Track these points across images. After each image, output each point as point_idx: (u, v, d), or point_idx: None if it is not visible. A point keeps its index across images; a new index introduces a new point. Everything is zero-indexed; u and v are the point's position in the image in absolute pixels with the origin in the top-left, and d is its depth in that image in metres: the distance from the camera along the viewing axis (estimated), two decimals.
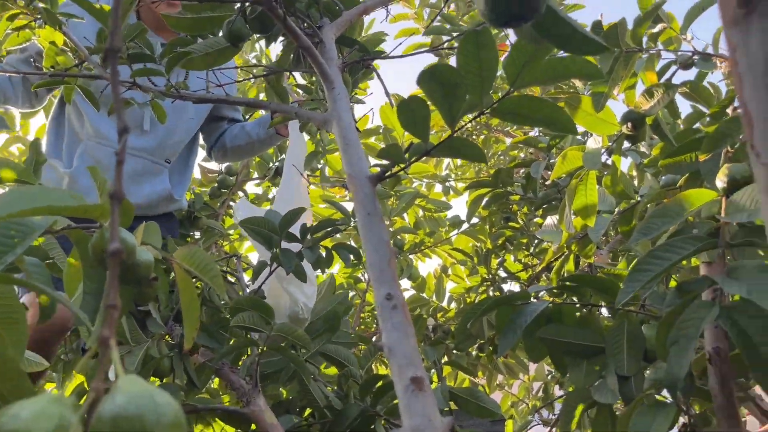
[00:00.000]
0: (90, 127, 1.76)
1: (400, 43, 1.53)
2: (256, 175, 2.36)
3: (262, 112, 2.21)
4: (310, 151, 1.88)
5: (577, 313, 1.14)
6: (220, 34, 1.07)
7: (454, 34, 2.00)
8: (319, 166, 2.13)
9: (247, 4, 1.02)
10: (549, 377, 2.67)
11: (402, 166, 0.87)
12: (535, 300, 1.12)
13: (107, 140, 1.77)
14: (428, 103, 0.79)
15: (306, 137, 1.84)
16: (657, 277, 0.86)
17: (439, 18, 2.15)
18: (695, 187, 1.06)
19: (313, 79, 1.44)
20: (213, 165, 2.62)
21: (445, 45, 1.91)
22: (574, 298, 1.12)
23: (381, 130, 2.54)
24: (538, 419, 2.40)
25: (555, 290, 1.09)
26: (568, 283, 1.07)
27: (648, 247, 1.20)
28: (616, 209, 1.47)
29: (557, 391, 2.79)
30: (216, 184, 2.22)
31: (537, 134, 2.42)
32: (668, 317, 0.84)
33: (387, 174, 0.85)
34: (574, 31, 0.66)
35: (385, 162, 0.87)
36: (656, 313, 1.05)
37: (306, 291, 1.62)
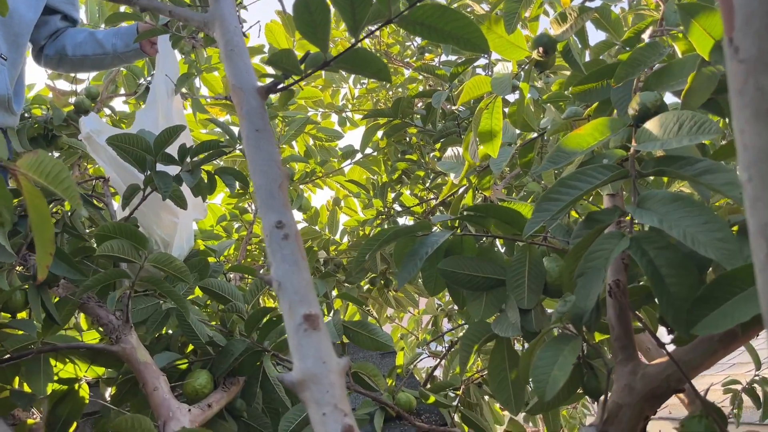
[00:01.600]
0: None
1: None
2: (123, 91, 2.11)
3: (123, 9, 1.91)
4: (183, 72, 1.68)
5: (477, 245, 1.09)
6: None
7: None
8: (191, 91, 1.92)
9: None
10: (438, 310, 2.70)
11: (296, 78, 0.75)
12: (436, 230, 1.06)
13: None
14: (330, 6, 0.68)
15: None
16: (567, 206, 0.81)
17: None
18: (605, 116, 1.02)
19: None
20: (63, 84, 2.30)
21: None
22: (475, 230, 1.07)
23: (266, 49, 2.35)
24: (428, 352, 2.43)
25: (458, 220, 1.03)
26: (472, 213, 1.01)
27: (552, 180, 1.16)
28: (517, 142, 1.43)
29: (445, 325, 2.85)
30: (72, 108, 1.89)
31: (438, 65, 2.34)
32: (577, 249, 0.80)
33: (279, 87, 0.74)
34: None
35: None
36: (558, 246, 1.02)
37: (165, 222, 1.46)
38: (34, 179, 0.67)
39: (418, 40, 2.66)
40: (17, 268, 1.24)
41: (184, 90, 2.10)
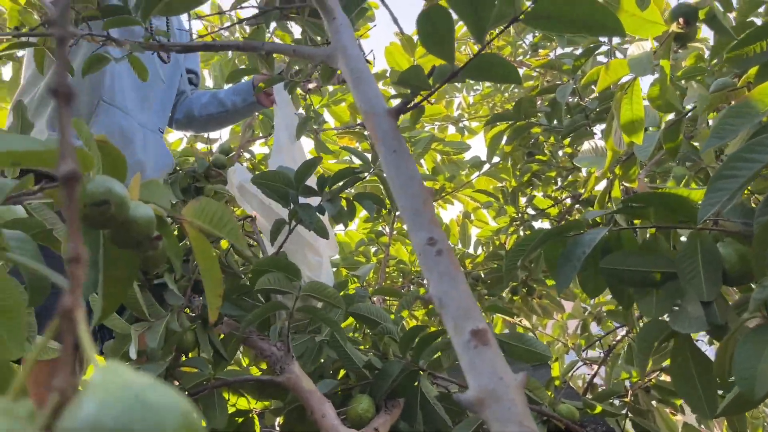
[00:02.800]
0: (104, 90, 1.53)
1: None
2: (260, 134, 2.22)
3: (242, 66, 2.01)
4: (302, 119, 1.75)
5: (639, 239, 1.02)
6: None
7: None
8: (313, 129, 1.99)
9: None
10: (586, 314, 2.57)
11: (425, 93, 0.74)
12: (591, 229, 1.00)
13: (126, 108, 1.56)
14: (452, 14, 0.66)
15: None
16: (746, 183, 0.73)
17: None
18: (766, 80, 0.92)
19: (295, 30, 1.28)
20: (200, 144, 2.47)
21: None
22: (635, 222, 1.00)
23: (388, 74, 2.38)
24: (582, 360, 2.31)
25: (618, 212, 0.96)
26: (630, 204, 0.94)
27: (712, 160, 1.06)
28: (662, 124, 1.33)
29: (594, 328, 2.70)
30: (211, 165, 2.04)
31: (555, 54, 2.26)
32: (765, 230, 0.71)
33: (409, 106, 0.73)
34: None
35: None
36: (733, 229, 0.92)
37: (311, 261, 1.50)
38: (199, 225, 0.70)
39: (530, 37, 2.59)
40: (185, 309, 1.32)
41: (314, 126, 2.18)
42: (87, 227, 0.52)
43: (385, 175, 0.68)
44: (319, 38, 1.08)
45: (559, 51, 2.40)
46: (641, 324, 1.13)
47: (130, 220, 0.51)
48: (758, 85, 0.84)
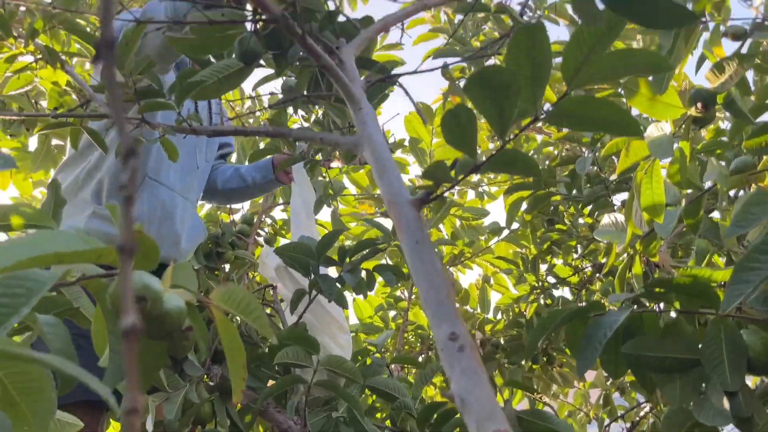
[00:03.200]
0: (150, 167, 1.57)
1: (421, 63, 1.42)
2: (281, 200, 2.27)
3: (262, 144, 2.07)
4: (320, 196, 1.79)
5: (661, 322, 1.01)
6: (232, 56, 0.97)
7: (465, 55, 1.90)
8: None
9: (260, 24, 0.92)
10: (608, 383, 2.51)
11: (448, 186, 0.76)
12: (612, 310, 0.99)
13: (169, 183, 1.61)
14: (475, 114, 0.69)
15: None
16: None
17: (450, 40, 2.04)
18: None
19: (320, 110, 1.33)
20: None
21: (458, 63, 1.80)
22: (659, 306, 0.99)
23: (406, 142, 2.42)
24: None
25: (640, 297, 0.96)
26: (651, 288, 0.94)
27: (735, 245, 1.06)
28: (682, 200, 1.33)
29: (617, 399, 2.64)
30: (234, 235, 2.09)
31: None
32: None
33: (432, 196, 0.75)
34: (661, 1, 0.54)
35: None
36: (757, 316, 0.91)
37: (340, 341, 1.51)
38: (226, 309, 0.71)
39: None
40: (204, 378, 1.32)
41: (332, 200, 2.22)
42: (118, 322, 0.53)
43: (407, 264, 0.69)
44: (340, 121, 1.12)
45: None
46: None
47: (164, 314, 0.53)
48: None
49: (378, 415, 1.39)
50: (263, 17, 0.84)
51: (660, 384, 0.95)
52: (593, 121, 0.70)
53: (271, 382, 1.36)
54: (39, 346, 0.71)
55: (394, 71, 1.09)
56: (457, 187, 2.92)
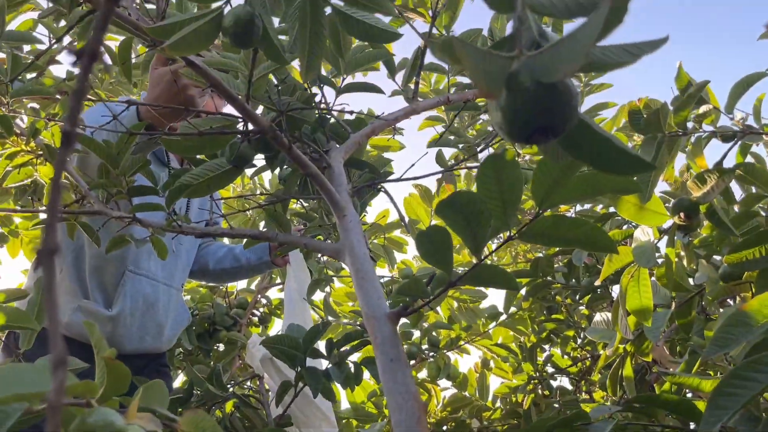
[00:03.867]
0: (130, 259, 1.59)
1: (410, 167, 1.46)
2: (279, 280, 2.28)
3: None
4: (314, 279, 1.80)
5: None
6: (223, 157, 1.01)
7: (459, 146, 1.94)
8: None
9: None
10: None
11: (425, 300, 0.77)
12: (596, 422, 0.97)
13: (151, 273, 1.63)
14: (449, 231, 0.70)
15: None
16: (747, 403, 0.72)
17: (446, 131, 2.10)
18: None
19: (313, 203, 1.37)
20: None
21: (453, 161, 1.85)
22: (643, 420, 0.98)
23: (406, 220, 2.45)
24: None
25: (620, 411, 0.95)
26: (636, 404, 0.93)
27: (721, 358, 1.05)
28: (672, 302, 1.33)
29: None
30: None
31: (574, 211, 2.30)
32: None
33: (409, 310, 0.75)
34: (612, 148, 0.56)
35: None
36: None
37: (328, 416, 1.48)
38: None
39: None
40: None
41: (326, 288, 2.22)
42: None
43: (381, 382, 0.69)
44: (330, 216, 1.14)
45: (578, 207, 2.46)
46: None
47: None
48: (758, 294, 0.84)
49: None
50: (251, 129, 0.87)
51: None
52: (567, 240, 0.72)
53: None
54: None
55: (383, 173, 1.11)
56: (461, 268, 2.93)
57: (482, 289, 2.70)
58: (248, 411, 1.33)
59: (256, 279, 2.29)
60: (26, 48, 1.58)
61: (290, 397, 1.37)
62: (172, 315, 1.67)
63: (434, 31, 1.16)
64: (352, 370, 1.39)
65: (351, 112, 0.99)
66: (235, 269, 1.89)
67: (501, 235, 0.71)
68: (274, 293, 2.39)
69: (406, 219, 1.12)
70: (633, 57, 0.38)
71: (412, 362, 2.25)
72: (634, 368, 1.52)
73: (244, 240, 2.01)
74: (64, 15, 1.80)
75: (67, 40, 1.92)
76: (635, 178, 1.01)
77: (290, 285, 1.71)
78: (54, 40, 1.18)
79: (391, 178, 1.05)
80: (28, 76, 1.38)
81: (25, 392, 0.46)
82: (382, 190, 1.05)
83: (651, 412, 0.95)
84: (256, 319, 2.16)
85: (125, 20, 0.77)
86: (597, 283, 1.27)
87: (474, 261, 0.71)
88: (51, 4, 1.75)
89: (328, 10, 0.75)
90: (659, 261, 1.16)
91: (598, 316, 1.45)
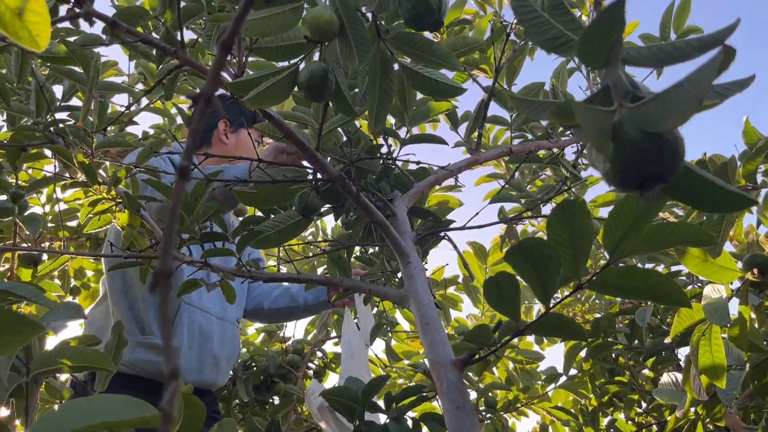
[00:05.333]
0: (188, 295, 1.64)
1: (474, 216, 1.48)
2: (334, 333, 2.28)
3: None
4: (376, 324, 1.79)
5: None
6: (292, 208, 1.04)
7: (522, 201, 1.95)
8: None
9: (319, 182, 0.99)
10: None
11: (491, 349, 0.76)
12: None
13: (204, 306, 1.68)
14: (517, 278, 0.70)
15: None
16: None
17: (507, 186, 2.12)
18: None
19: (375, 250, 1.39)
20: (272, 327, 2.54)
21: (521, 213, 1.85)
22: None
23: (460, 279, 2.43)
24: None
25: None
26: None
27: None
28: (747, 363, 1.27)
29: None
30: (287, 356, 2.09)
31: None
32: None
33: (475, 358, 0.75)
34: (714, 187, 0.56)
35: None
36: None
37: None
38: None
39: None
40: None
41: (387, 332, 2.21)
42: None
43: (448, 429, 0.68)
44: (393, 263, 1.16)
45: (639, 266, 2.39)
46: None
47: None
48: None
49: None
50: (321, 177, 0.90)
51: None
52: (637, 291, 0.70)
53: None
54: None
55: (445, 221, 1.13)
56: None
57: (539, 350, 2.64)
58: None
59: (312, 331, 2.30)
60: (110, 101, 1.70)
61: None
62: (227, 348, 1.70)
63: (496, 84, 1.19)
64: (410, 425, 1.36)
65: (417, 163, 1.02)
66: (291, 309, 1.90)
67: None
68: (329, 347, 2.39)
69: (470, 270, 1.12)
70: (721, 97, 0.38)
71: None
72: None
73: None
74: (146, 82, 1.92)
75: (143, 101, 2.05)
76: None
77: (350, 329, 1.69)
78: (141, 92, 1.27)
79: (454, 226, 1.07)
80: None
81: (113, 420, 0.48)
82: (446, 237, 1.06)
83: None
84: (311, 372, 2.16)
85: (206, 71, 0.83)
86: (667, 340, 1.23)
87: (542, 310, 0.71)
88: (135, 70, 1.87)
89: (396, 66, 0.79)
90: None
91: (665, 377, 1.39)
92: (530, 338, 2.71)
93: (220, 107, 1.70)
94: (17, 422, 0.91)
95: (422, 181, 1.03)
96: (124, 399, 0.54)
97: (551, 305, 0.70)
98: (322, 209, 0.98)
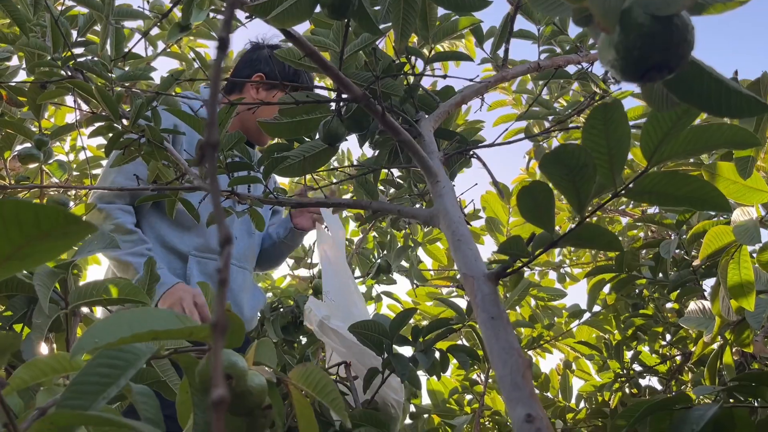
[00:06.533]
0: (196, 240, 1.68)
1: (501, 133, 1.46)
2: (357, 272, 2.30)
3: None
4: (401, 245, 1.77)
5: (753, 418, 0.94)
6: (316, 137, 1.04)
7: (550, 118, 1.92)
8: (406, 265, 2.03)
9: (342, 104, 0.98)
10: None
11: (525, 260, 0.76)
12: (699, 405, 0.93)
13: (215, 253, 1.70)
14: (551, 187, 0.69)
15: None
16: None
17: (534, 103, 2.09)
18: None
19: (402, 173, 1.38)
20: (303, 272, 2.57)
21: (544, 130, 1.82)
22: (751, 400, 0.93)
23: (482, 214, 2.43)
24: None
25: (730, 391, 0.91)
26: (740, 382, 0.89)
27: None
28: None
29: None
30: (311, 291, 2.14)
31: (657, 210, 2.22)
32: None
33: (509, 270, 0.75)
34: (725, 88, 0.54)
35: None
36: None
37: (393, 384, 1.45)
38: (304, 389, 0.73)
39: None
40: None
41: (404, 263, 2.22)
42: (204, 396, 0.56)
43: (483, 340, 0.69)
44: (421, 186, 1.15)
45: None
46: None
47: (246, 392, 0.55)
48: None
49: None
50: (345, 97, 0.89)
51: None
52: (676, 198, 0.69)
53: None
54: (128, 414, 0.75)
55: (472, 143, 1.11)
56: (537, 268, 2.88)
57: (561, 287, 2.65)
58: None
59: None
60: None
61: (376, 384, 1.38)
62: (248, 296, 1.73)
63: None
64: (438, 357, 1.39)
65: (443, 77, 1.00)
66: (273, 247, 1.93)
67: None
68: None
69: (499, 187, 1.10)
70: None
71: None
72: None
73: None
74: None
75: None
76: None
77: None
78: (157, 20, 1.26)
79: (482, 144, 1.05)
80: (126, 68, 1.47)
81: (160, 329, 0.49)
82: (474, 156, 1.05)
83: (758, 392, 0.90)
84: None
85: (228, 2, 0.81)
86: (695, 263, 1.22)
87: (575, 223, 0.70)
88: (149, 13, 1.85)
89: None
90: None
91: (692, 305, 1.39)
92: (552, 275, 2.71)
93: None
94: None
95: (448, 101, 1.02)
96: (168, 312, 0.55)
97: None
98: (347, 137, 0.97)
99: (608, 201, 0.67)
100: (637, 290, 2.10)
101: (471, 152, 1.04)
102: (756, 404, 0.92)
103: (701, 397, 1.29)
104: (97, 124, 1.05)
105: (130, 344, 0.54)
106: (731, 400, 1.01)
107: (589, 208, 0.67)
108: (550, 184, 0.65)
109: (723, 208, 0.68)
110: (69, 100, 1.55)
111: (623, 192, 0.67)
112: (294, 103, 0.88)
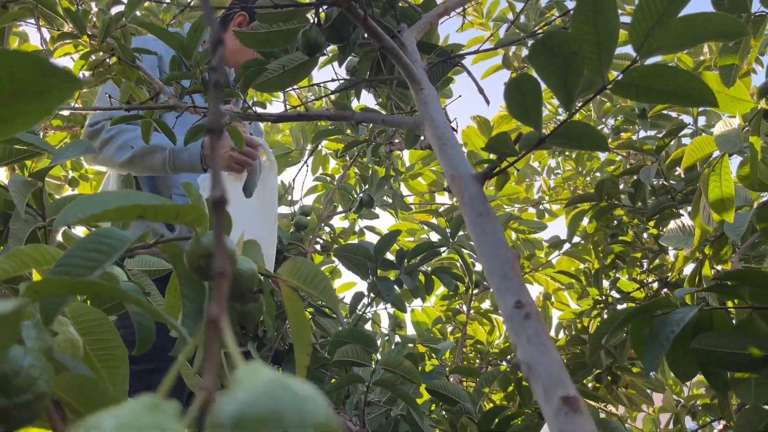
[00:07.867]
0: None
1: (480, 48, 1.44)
2: (340, 208, 2.30)
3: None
4: (382, 176, 1.77)
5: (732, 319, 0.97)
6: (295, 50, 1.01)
7: (530, 43, 1.91)
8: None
9: (322, 10, 0.96)
10: (678, 407, 2.41)
11: (511, 160, 0.76)
12: (678, 308, 0.96)
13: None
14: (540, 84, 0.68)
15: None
16: None
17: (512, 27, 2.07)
18: None
19: (380, 102, 1.36)
20: (283, 208, 2.55)
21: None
22: (728, 302, 0.96)
23: (464, 149, 2.43)
24: None
25: (707, 291, 0.93)
26: (722, 281, 0.91)
27: None
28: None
29: (689, 423, 2.52)
30: (293, 227, 2.13)
31: (638, 137, 2.24)
32: None
33: (495, 171, 0.75)
34: None
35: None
36: None
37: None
38: (294, 284, 0.73)
39: (612, 121, 2.59)
40: None
41: (387, 198, 2.22)
42: (196, 278, 0.56)
43: (471, 237, 0.69)
44: (403, 105, 1.14)
45: (642, 134, 2.40)
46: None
47: (237, 273, 0.55)
48: None
49: (433, 416, 1.39)
50: (326, 1, 0.87)
51: (733, 383, 0.91)
52: (664, 93, 0.68)
53: None
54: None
55: (455, 54, 1.10)
56: (517, 205, 2.90)
57: (540, 220, 2.68)
58: (321, 319, 1.38)
59: (319, 207, 2.32)
60: None
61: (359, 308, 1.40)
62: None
63: None
64: (423, 280, 1.40)
65: None
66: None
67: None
68: (337, 221, 2.42)
69: (485, 96, 1.09)
70: None
71: (476, 291, 2.25)
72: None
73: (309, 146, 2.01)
74: None
75: None
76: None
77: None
78: None
79: (465, 53, 1.04)
80: None
81: (145, 204, 0.48)
82: (458, 64, 1.04)
83: (738, 291, 0.93)
84: (318, 247, 2.20)
85: None
86: (679, 174, 1.23)
87: (563, 118, 0.70)
88: None
89: None
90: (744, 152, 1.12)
91: (672, 224, 1.42)
92: (532, 211, 2.74)
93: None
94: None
95: (430, 12, 1.00)
96: (152, 195, 0.54)
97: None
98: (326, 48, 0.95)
99: (597, 94, 0.67)
100: (616, 220, 2.14)
101: (456, 61, 1.02)
102: (734, 305, 0.95)
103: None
104: (62, 43, 1.01)
105: (115, 231, 0.53)
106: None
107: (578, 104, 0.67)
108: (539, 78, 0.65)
109: (710, 102, 0.68)
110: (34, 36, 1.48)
111: (611, 86, 0.66)
112: (273, 6, 0.85)
